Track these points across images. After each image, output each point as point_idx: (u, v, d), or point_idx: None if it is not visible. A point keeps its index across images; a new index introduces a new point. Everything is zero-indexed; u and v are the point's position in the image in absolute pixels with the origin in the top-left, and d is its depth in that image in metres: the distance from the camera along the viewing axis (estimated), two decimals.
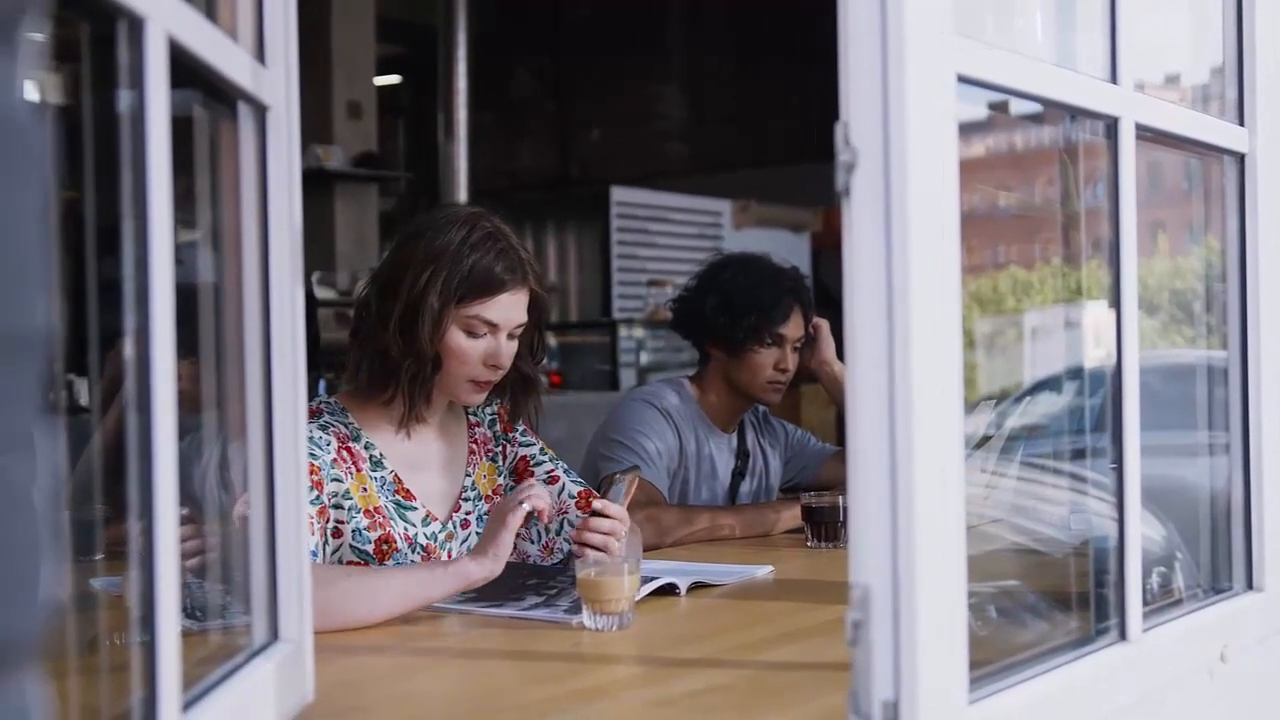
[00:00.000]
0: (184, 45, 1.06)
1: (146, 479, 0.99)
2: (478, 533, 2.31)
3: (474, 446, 2.38)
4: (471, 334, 2.19)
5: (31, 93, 0.60)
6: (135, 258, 0.98)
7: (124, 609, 1.39)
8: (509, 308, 2.20)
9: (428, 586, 1.95)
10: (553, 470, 2.39)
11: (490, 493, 2.37)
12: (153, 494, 0.99)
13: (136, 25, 0.98)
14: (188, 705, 1.07)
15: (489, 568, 1.95)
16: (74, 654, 1.12)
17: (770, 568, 2.38)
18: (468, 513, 2.34)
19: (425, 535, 2.24)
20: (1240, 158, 1.79)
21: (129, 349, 0.98)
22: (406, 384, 2.19)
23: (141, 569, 0.99)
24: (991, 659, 1.34)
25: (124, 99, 1.00)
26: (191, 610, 1.31)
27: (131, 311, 0.98)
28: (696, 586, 2.19)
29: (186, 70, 1.09)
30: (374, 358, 2.20)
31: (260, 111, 1.34)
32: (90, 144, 1.03)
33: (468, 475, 2.36)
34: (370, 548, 2.16)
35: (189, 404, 1.17)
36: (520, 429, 2.42)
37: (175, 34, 1.03)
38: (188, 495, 1.07)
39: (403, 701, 1.61)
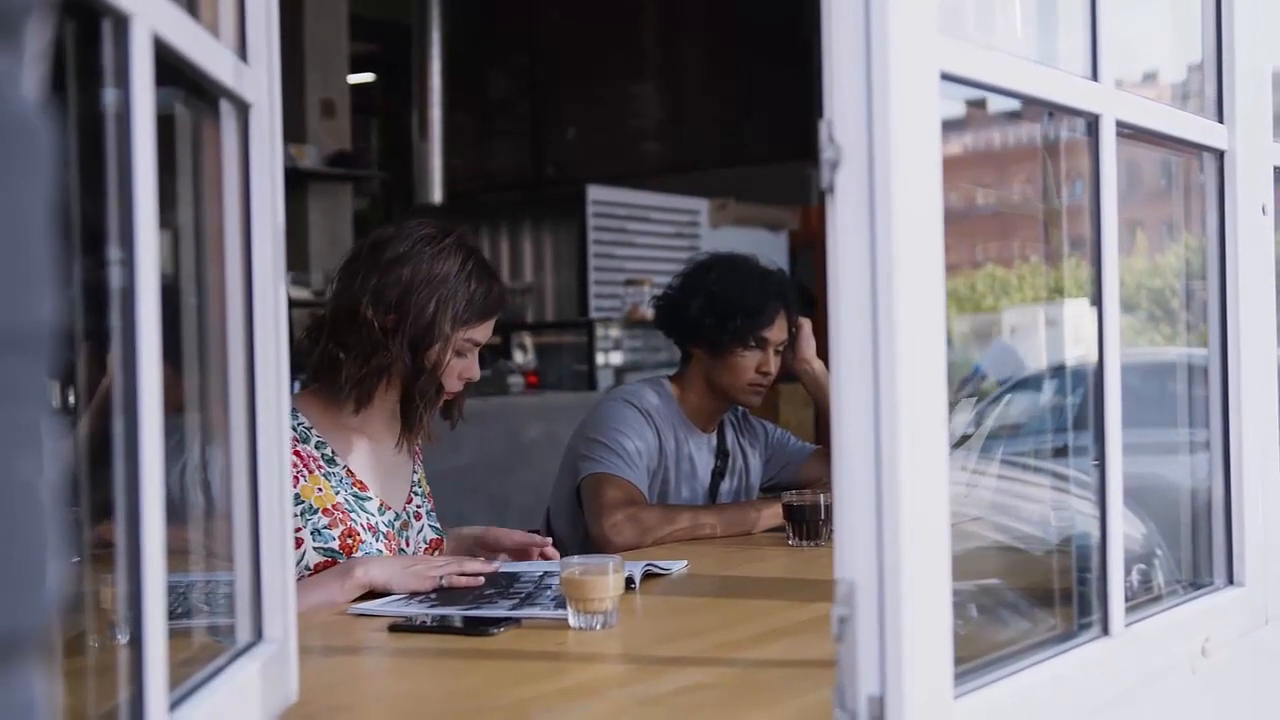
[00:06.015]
0: (168, 43, 1.06)
1: (133, 479, 0.98)
2: (430, 525, 2.42)
3: (416, 447, 2.46)
4: (460, 354, 2.29)
5: (36, 90, 0.60)
6: (121, 258, 0.97)
7: (99, 610, 1.38)
8: (491, 328, 2.34)
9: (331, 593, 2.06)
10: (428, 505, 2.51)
11: (426, 493, 2.47)
12: (139, 494, 0.98)
13: (122, 23, 0.97)
14: (174, 705, 1.07)
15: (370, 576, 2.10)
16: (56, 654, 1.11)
17: (685, 563, 2.39)
18: (418, 506, 2.42)
19: (385, 524, 2.29)
20: (1219, 154, 1.80)
21: (115, 351, 0.97)
22: (420, 403, 2.27)
23: (129, 571, 0.98)
24: (976, 654, 1.34)
25: (108, 96, 0.99)
26: (172, 609, 1.30)
27: (117, 312, 0.98)
28: (648, 576, 2.24)
29: (169, 68, 1.09)
30: (376, 373, 2.25)
31: (243, 110, 1.33)
32: (73, 142, 1.02)
33: (415, 472, 2.44)
34: (335, 544, 2.19)
35: (169, 405, 1.17)
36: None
37: (160, 31, 1.02)
38: (167, 497, 1.07)
39: (386, 701, 1.61)
